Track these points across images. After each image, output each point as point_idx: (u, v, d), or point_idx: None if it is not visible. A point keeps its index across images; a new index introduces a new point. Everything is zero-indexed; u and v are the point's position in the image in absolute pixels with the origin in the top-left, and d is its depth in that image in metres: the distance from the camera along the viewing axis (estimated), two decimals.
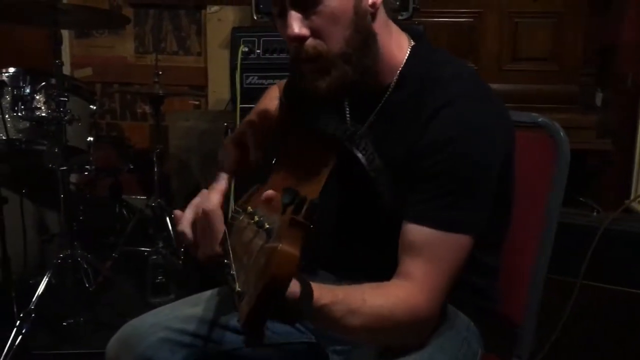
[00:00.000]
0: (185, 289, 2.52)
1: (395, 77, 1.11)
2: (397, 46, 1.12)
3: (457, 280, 1.01)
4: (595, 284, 1.88)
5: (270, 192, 0.86)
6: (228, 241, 0.85)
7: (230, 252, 0.81)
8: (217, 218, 0.98)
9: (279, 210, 0.69)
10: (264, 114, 1.30)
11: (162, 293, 2.57)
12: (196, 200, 1.07)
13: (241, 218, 0.83)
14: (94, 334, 2.24)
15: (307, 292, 0.83)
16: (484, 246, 1.08)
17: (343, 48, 1.03)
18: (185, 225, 1.03)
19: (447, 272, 0.99)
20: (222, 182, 1.13)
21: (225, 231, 0.90)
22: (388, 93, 1.11)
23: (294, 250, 0.64)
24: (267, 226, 0.70)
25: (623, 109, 2.83)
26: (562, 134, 1.26)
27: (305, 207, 0.65)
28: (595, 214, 1.99)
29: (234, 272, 0.76)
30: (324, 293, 0.87)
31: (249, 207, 0.81)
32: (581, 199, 2.09)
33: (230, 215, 0.95)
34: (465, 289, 1.07)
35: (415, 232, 1.00)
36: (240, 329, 0.74)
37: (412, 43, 1.14)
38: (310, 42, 1.03)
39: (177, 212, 1.07)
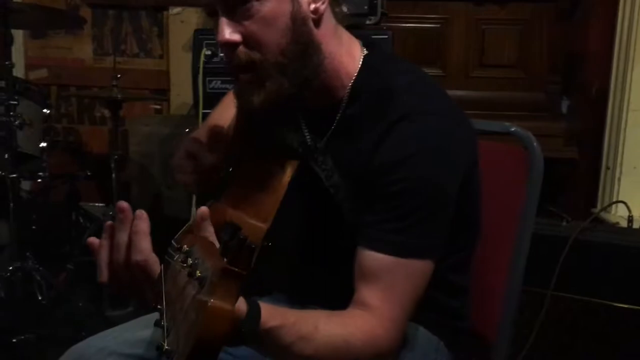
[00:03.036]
0: (144, 302, 2.43)
1: (348, 90, 1.04)
2: (349, 55, 1.05)
3: (419, 304, 0.96)
4: (566, 294, 1.87)
5: (202, 212, 0.81)
6: (163, 283, 0.77)
7: (164, 297, 0.73)
8: (153, 267, 0.83)
9: (216, 253, 0.63)
10: (219, 122, 1.22)
11: (120, 306, 2.48)
12: (117, 242, 0.86)
13: (176, 257, 0.75)
14: (48, 350, 2.13)
15: (253, 313, 0.78)
16: (449, 265, 1.04)
17: (278, 58, 0.96)
18: (105, 275, 0.87)
19: (406, 300, 0.94)
20: (143, 223, 0.86)
21: (161, 270, 0.81)
22: (342, 107, 1.05)
23: (227, 305, 0.59)
24: (199, 274, 0.63)
25: (589, 117, 2.85)
26: (535, 143, 1.23)
27: (242, 253, 0.59)
28: (564, 223, 1.97)
29: (165, 323, 0.68)
30: (274, 314, 0.82)
31: (185, 246, 0.73)
32: (550, 208, 2.07)
33: (168, 250, 0.86)
34: (434, 309, 1.04)
35: (369, 258, 0.95)
36: None
37: (365, 52, 1.08)
38: (242, 49, 0.96)
39: (93, 239, 0.90)
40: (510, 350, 1.26)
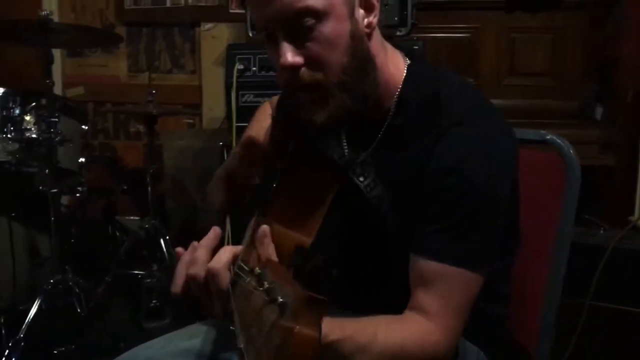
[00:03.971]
0: (181, 313, 2.46)
1: (395, 100, 1.05)
2: (394, 66, 1.06)
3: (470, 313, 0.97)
4: (604, 304, 1.83)
5: (264, 231, 0.84)
6: (233, 303, 0.78)
7: (237, 318, 0.74)
8: (223, 280, 0.86)
9: (289, 276, 0.63)
10: (258, 132, 1.24)
11: (157, 318, 2.51)
12: (195, 256, 0.93)
13: (247, 280, 0.76)
14: None
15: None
16: (494, 272, 1.03)
17: (340, 76, 0.96)
18: (179, 287, 0.92)
19: (462, 308, 0.95)
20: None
21: (229, 291, 0.82)
22: (389, 118, 1.05)
23: (314, 332, 0.60)
24: (281, 299, 0.63)
25: (624, 124, 2.81)
26: (571, 152, 1.22)
27: (319, 277, 0.60)
28: (601, 231, 1.94)
29: (242, 346, 0.69)
30: (333, 328, 0.83)
31: (257, 268, 0.74)
32: (586, 216, 2.04)
33: (233, 270, 0.86)
34: (475, 317, 1.02)
35: (425, 266, 0.95)
36: None
37: (408, 61, 1.08)
38: (305, 70, 0.95)
39: (180, 250, 0.96)
40: None
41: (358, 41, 0.97)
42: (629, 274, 1.82)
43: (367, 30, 0.99)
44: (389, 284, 1.00)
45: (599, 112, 2.92)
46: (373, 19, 0.99)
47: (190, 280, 0.90)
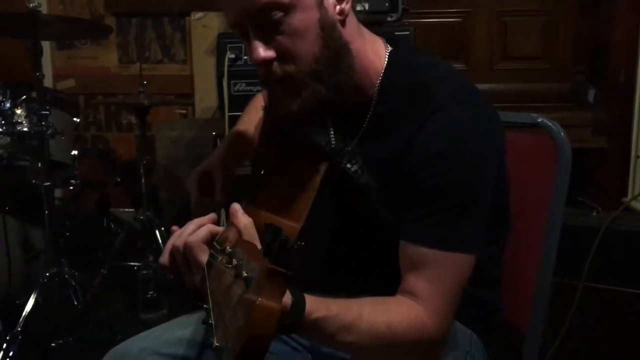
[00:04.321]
0: (178, 303, 2.46)
1: (377, 88, 1.05)
2: (374, 53, 1.06)
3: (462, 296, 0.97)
4: (598, 285, 1.85)
5: (234, 207, 0.86)
6: (207, 282, 0.79)
7: (209, 296, 0.76)
8: (197, 254, 0.90)
9: (259, 254, 0.64)
10: (248, 125, 1.24)
11: (154, 308, 2.51)
12: (182, 230, 0.97)
13: (220, 259, 0.78)
14: (85, 353, 2.17)
15: (298, 304, 0.80)
16: (484, 257, 1.04)
17: (312, 66, 0.97)
18: (165, 258, 0.95)
19: (452, 291, 0.96)
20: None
21: (205, 270, 0.84)
22: (372, 106, 1.05)
23: (275, 303, 0.61)
24: (245, 274, 0.65)
25: (617, 106, 2.81)
26: (562, 134, 1.22)
27: (287, 252, 0.61)
28: (594, 213, 1.95)
29: (212, 322, 0.71)
30: (318, 306, 0.84)
31: (228, 247, 0.75)
32: (579, 198, 2.05)
33: (209, 252, 0.88)
34: (467, 301, 1.03)
35: (414, 251, 0.96)
36: None
37: (389, 48, 1.08)
38: (276, 64, 0.97)
39: (175, 228, 0.99)
40: (543, 342, 1.25)
41: (329, 29, 0.97)
42: (622, 255, 1.84)
43: (339, 17, 0.99)
44: (379, 269, 1.01)
45: (591, 94, 2.93)
46: (345, 5, 1.00)
47: (173, 251, 0.94)
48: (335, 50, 0.98)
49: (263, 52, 0.95)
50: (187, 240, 0.91)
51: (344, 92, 1.01)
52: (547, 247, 1.22)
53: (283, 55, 0.96)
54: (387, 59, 1.06)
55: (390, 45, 1.09)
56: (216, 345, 0.67)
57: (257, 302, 0.60)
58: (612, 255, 1.83)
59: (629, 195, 2.69)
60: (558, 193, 1.22)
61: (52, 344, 2.18)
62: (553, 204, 1.22)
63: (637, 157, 2.70)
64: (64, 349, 2.18)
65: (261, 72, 0.99)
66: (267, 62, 0.96)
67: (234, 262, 0.69)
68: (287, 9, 0.94)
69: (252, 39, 0.96)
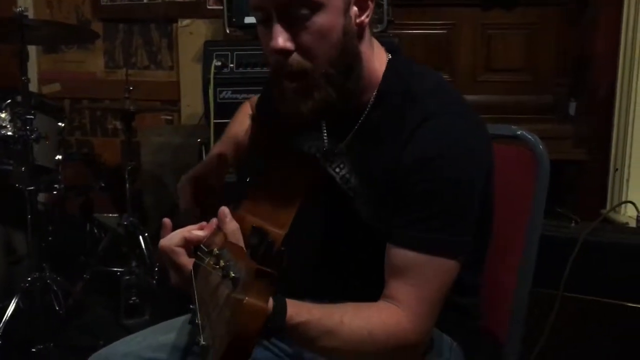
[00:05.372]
0: (161, 310, 2.46)
1: (374, 94, 1.07)
2: (378, 62, 1.08)
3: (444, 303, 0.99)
4: (577, 295, 1.87)
5: (223, 211, 0.88)
6: (194, 284, 0.81)
7: (196, 297, 0.77)
8: (172, 256, 0.93)
9: (245, 256, 0.66)
10: (236, 141, 1.26)
11: (137, 314, 2.51)
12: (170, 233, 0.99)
13: (207, 260, 0.79)
14: (66, 359, 2.17)
15: (280, 309, 0.81)
16: (466, 265, 1.05)
17: (328, 69, 0.98)
18: (159, 255, 0.99)
19: (434, 297, 0.96)
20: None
21: (191, 272, 0.86)
22: (367, 110, 1.07)
23: (261, 302, 0.62)
24: (233, 275, 0.66)
25: (597, 119, 2.86)
26: (541, 147, 1.25)
27: (272, 255, 0.63)
28: (573, 224, 1.98)
29: (199, 322, 0.72)
30: (300, 311, 0.85)
31: (215, 249, 0.77)
32: (559, 209, 2.08)
33: (196, 253, 0.90)
34: (447, 308, 1.04)
35: (399, 255, 0.97)
36: None
37: (389, 56, 1.11)
38: (295, 56, 0.97)
39: (167, 220, 1.00)
40: (522, 350, 1.27)
41: (349, 37, 0.99)
42: (600, 266, 1.85)
43: (357, 27, 1.01)
44: (364, 274, 1.02)
45: (572, 107, 2.97)
46: (365, 18, 1.01)
47: (160, 252, 0.96)
48: (350, 58, 1.00)
49: (282, 41, 0.95)
50: (160, 244, 0.94)
51: (348, 99, 1.03)
52: (526, 257, 1.24)
53: (302, 51, 0.97)
54: (385, 67, 1.08)
55: (391, 54, 1.11)
56: (202, 344, 0.68)
57: (245, 301, 0.61)
58: (590, 266, 1.85)
59: (608, 207, 2.74)
60: (537, 204, 1.24)
61: (33, 349, 2.16)
62: (532, 215, 1.24)
63: (616, 169, 2.75)
64: (45, 355, 2.17)
65: (275, 62, 0.99)
66: (285, 52, 0.96)
67: (222, 263, 0.71)
68: (317, 8, 0.95)
69: (274, 26, 0.96)
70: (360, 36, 1.02)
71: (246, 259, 0.66)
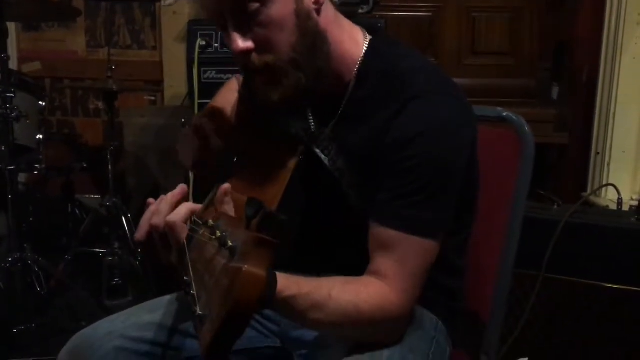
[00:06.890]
0: (143, 291, 2.45)
1: (354, 74, 1.07)
2: (352, 41, 1.08)
3: (426, 280, 1.00)
4: (558, 276, 1.90)
5: (226, 186, 0.87)
6: (187, 256, 0.80)
7: (190, 268, 0.77)
8: (178, 232, 0.91)
9: (243, 225, 0.65)
10: (223, 105, 1.24)
11: (119, 295, 2.50)
12: (159, 207, 0.98)
13: (202, 232, 0.78)
14: (48, 340, 2.14)
15: (270, 281, 0.82)
16: (450, 246, 1.07)
17: (291, 55, 0.99)
18: (142, 234, 0.96)
19: (417, 274, 0.98)
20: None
21: (184, 244, 0.86)
22: (349, 91, 1.08)
23: (261, 271, 0.62)
24: (231, 244, 0.65)
25: (579, 103, 2.88)
26: (527, 128, 1.26)
27: (272, 223, 0.62)
28: (555, 206, 2.00)
29: (194, 292, 0.71)
30: (289, 285, 0.86)
31: (210, 220, 0.76)
32: (541, 192, 2.10)
33: (189, 226, 0.89)
34: (432, 288, 1.06)
35: (383, 233, 0.98)
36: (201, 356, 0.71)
37: (369, 37, 1.10)
38: (254, 55, 0.99)
39: (151, 200, 1.00)
40: (504, 331, 1.29)
41: (304, 18, 0.99)
42: (581, 247, 1.88)
43: (314, 6, 1.01)
44: (350, 252, 1.03)
45: (555, 91, 2.99)
46: None
47: (152, 229, 0.95)
48: (312, 38, 1.00)
49: (241, 43, 0.98)
50: (168, 220, 0.92)
51: (323, 79, 1.03)
52: (509, 239, 1.26)
53: (261, 46, 0.98)
54: (366, 47, 1.08)
55: (370, 34, 1.11)
56: (199, 314, 0.68)
57: (244, 269, 0.60)
58: (571, 248, 1.88)
59: (588, 190, 2.77)
60: (521, 186, 1.25)
61: (14, 330, 2.16)
62: (516, 197, 1.25)
63: (597, 153, 2.78)
64: (27, 335, 2.16)
65: (240, 62, 1.01)
66: (246, 52, 0.98)
67: (218, 233, 0.70)
68: (265, 1, 0.96)
69: (230, 31, 0.98)
70: (319, 13, 1.02)
71: (243, 228, 0.66)
